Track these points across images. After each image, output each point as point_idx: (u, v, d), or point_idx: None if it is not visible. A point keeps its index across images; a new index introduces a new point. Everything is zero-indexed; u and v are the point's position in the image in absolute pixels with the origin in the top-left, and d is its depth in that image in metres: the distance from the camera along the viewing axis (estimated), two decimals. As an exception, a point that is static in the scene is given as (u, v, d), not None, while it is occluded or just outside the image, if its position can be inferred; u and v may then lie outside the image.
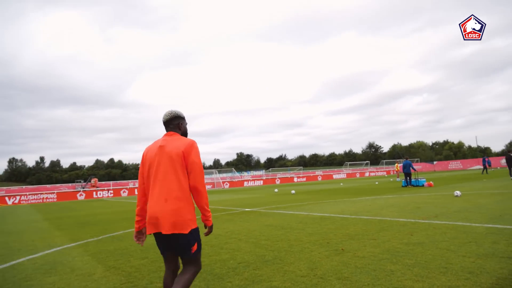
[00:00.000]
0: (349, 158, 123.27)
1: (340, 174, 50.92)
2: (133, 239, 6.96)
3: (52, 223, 11.76)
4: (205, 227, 2.67)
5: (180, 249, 2.50)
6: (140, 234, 2.77)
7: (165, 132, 2.75)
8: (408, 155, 75.05)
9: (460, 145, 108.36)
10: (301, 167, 79.57)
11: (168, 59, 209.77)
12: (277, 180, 44.56)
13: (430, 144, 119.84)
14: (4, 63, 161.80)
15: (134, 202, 21.26)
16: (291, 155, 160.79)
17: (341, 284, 3.40)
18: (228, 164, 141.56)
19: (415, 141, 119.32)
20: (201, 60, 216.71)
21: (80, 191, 35.52)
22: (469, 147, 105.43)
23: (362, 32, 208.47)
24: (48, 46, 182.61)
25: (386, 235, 5.62)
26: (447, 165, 53.80)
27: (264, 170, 79.35)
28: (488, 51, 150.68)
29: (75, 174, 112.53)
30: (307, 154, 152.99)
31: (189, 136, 2.81)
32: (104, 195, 34.99)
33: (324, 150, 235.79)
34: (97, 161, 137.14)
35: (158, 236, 2.54)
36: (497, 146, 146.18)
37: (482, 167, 29.56)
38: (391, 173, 50.52)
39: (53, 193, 33.49)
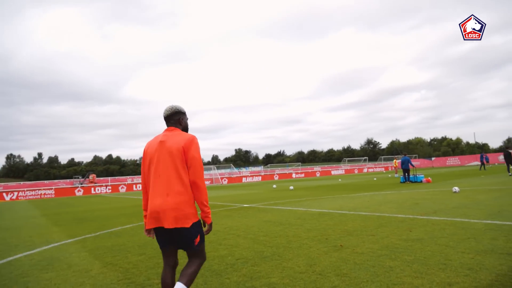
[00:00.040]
0: (347, 154, 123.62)
1: (338, 170, 51.01)
2: (130, 236, 6.96)
3: (50, 219, 11.73)
4: (204, 225, 2.64)
5: (183, 243, 2.51)
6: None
7: (166, 127, 2.73)
8: (407, 151, 75.13)
9: (458, 141, 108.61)
10: (300, 163, 79.46)
11: (167, 55, 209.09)
12: (276, 176, 44.56)
13: (428, 140, 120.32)
14: (2, 59, 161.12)
15: (132, 198, 21.26)
16: (290, 151, 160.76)
17: (340, 281, 3.38)
18: (227, 160, 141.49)
19: (413, 138, 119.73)
20: (200, 56, 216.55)
21: (78, 187, 35.52)
22: (467, 143, 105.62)
23: (360, 29, 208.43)
24: (46, 43, 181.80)
25: (384, 231, 5.61)
26: (445, 161, 54.02)
27: (262, 166, 79.40)
28: (486, 48, 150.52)
29: (73, 170, 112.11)
30: (305, 150, 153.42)
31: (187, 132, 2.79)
32: (102, 191, 35.01)
33: (323, 146, 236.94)
34: (95, 157, 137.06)
35: (159, 230, 2.52)
36: (495, 143, 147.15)
37: (480, 163, 29.66)
38: (390, 169, 50.64)
39: (51, 189, 33.46)
